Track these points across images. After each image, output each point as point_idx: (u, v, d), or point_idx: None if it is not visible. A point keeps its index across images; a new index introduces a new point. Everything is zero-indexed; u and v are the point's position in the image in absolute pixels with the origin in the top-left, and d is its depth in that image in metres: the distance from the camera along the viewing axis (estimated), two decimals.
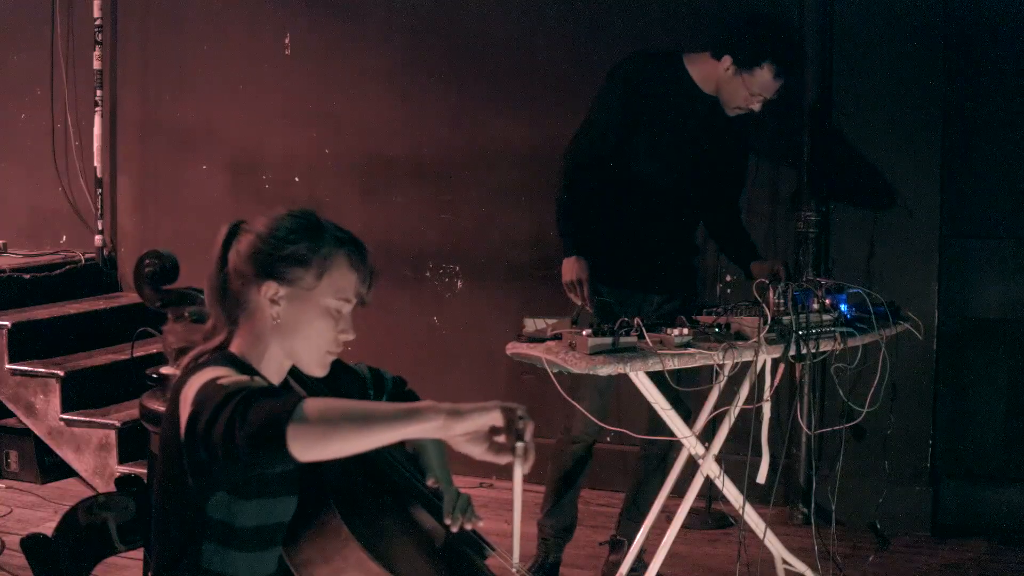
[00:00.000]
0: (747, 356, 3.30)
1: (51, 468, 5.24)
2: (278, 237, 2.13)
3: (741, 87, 3.74)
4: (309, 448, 1.81)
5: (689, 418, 3.73)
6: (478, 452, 1.93)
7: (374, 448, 1.87)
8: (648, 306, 3.89)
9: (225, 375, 1.99)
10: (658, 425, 3.72)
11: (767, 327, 3.28)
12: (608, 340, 3.20)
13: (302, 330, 2.14)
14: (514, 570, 2.24)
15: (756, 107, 3.79)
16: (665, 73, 3.84)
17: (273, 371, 2.17)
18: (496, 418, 1.89)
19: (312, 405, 1.83)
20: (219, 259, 2.16)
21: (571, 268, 3.79)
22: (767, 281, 3.46)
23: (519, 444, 1.88)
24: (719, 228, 4.13)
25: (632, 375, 3.36)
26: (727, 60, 3.73)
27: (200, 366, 2.08)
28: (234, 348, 2.16)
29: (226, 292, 2.16)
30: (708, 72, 3.81)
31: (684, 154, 3.86)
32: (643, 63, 3.86)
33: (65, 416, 5.12)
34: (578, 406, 3.54)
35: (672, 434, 3.57)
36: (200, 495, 2.03)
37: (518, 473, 1.92)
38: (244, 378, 1.99)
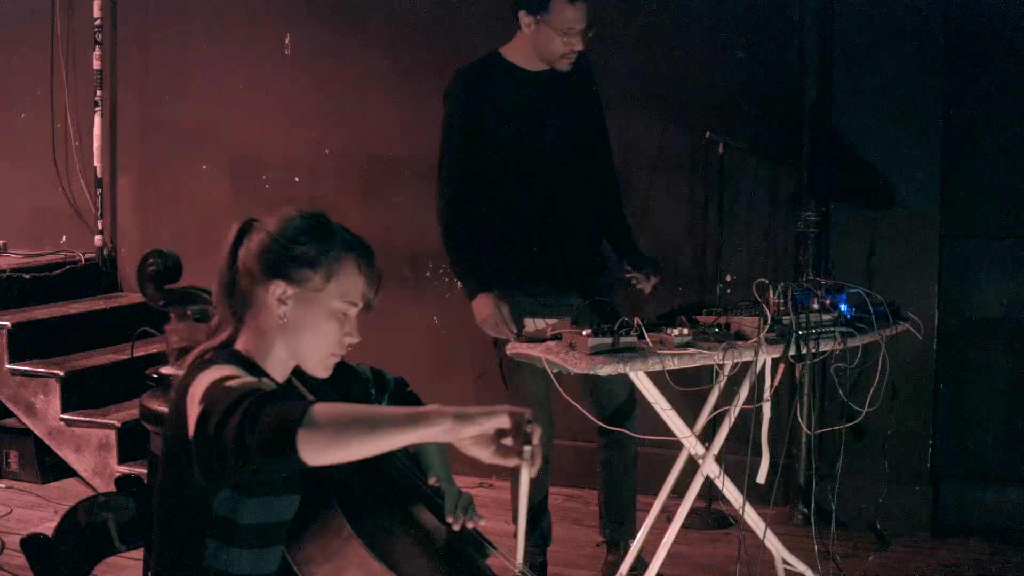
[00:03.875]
0: (747, 356, 3.30)
1: (51, 468, 5.24)
2: (288, 237, 2.14)
3: (550, 34, 3.70)
4: (319, 453, 1.82)
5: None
6: (485, 455, 1.94)
7: (383, 452, 1.88)
8: (565, 308, 3.79)
9: (232, 375, 2.00)
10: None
11: (767, 327, 3.28)
12: (608, 340, 3.20)
13: (308, 331, 2.15)
14: (517, 572, 2.24)
15: (579, 46, 3.73)
16: (491, 75, 3.82)
17: (277, 370, 2.17)
18: (504, 421, 1.89)
19: (321, 410, 1.84)
20: (229, 256, 2.17)
21: (480, 307, 3.76)
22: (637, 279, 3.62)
23: (526, 448, 1.89)
24: (601, 208, 4.01)
25: (632, 375, 3.36)
26: (523, 16, 3.72)
27: (206, 363, 2.09)
28: (239, 346, 2.17)
29: (234, 289, 2.17)
30: (524, 47, 3.79)
31: (545, 142, 3.83)
32: (465, 77, 3.84)
33: (65, 416, 5.12)
34: (579, 408, 3.54)
35: (672, 434, 3.58)
36: (206, 492, 2.04)
37: (525, 476, 1.93)
38: (252, 380, 2.00)
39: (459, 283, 3.86)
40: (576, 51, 3.74)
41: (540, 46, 3.74)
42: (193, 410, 1.98)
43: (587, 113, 3.94)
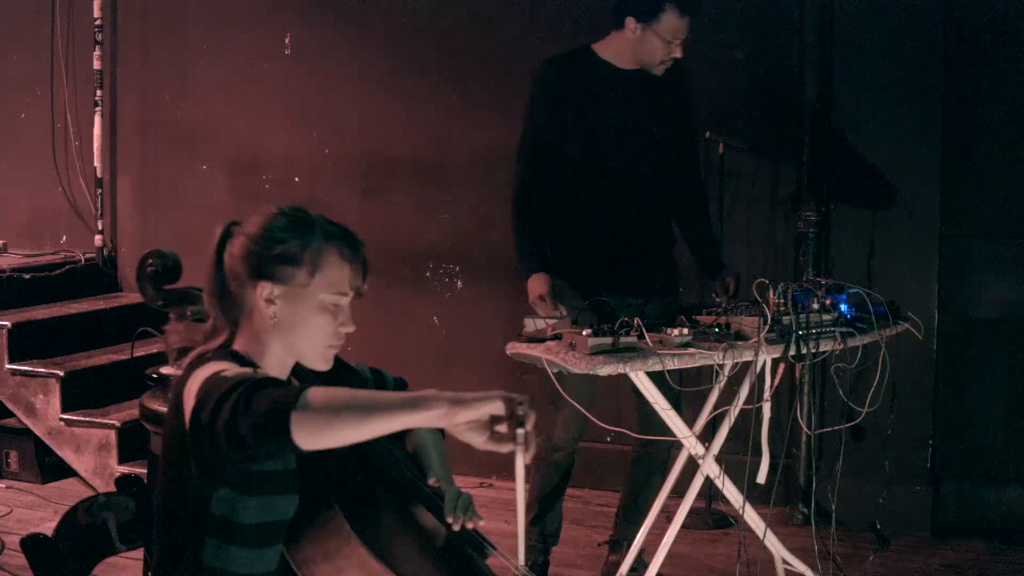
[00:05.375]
0: (747, 356, 3.30)
1: (51, 468, 5.24)
2: (267, 237, 2.13)
3: (655, 40, 3.74)
4: (313, 436, 1.82)
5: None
6: (480, 441, 1.94)
7: (378, 436, 1.88)
8: (628, 309, 3.75)
9: (229, 368, 2.01)
10: (649, 427, 3.74)
11: (767, 327, 3.28)
12: (608, 340, 3.20)
13: (301, 327, 2.14)
14: (516, 572, 2.24)
15: (678, 53, 3.79)
16: (581, 68, 3.84)
17: (275, 369, 2.17)
18: (498, 407, 1.90)
19: (316, 393, 1.84)
20: (215, 261, 2.17)
21: (534, 285, 3.76)
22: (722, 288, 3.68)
23: (520, 431, 1.89)
24: (686, 217, 4.04)
25: (632, 375, 3.36)
26: (630, 22, 3.75)
27: (204, 361, 2.09)
28: (237, 347, 2.17)
29: (224, 294, 2.17)
30: (620, 47, 3.81)
31: (627, 140, 3.84)
32: (557, 66, 3.86)
33: (65, 416, 5.12)
34: (580, 408, 3.53)
35: (672, 434, 3.57)
36: (204, 490, 2.04)
37: (520, 462, 1.93)
38: (247, 369, 2.01)
39: (519, 261, 3.84)
40: (674, 57, 3.79)
41: (642, 50, 3.78)
42: (189, 404, 1.98)
43: (675, 120, 3.94)
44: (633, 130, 3.85)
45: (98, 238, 5.94)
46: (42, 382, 5.17)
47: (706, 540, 4.57)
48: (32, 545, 2.10)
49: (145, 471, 4.00)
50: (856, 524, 4.55)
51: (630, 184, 3.87)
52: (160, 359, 3.41)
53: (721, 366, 3.27)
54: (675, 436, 3.56)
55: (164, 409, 2.96)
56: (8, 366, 5.21)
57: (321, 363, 2.19)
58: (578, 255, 3.86)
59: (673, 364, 3.20)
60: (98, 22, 5.83)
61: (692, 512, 3.84)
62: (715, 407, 3.65)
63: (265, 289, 2.12)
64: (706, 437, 3.68)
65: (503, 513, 4.64)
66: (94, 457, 5.09)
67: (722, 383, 3.45)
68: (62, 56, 5.96)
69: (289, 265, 2.12)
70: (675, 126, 3.95)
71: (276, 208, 2.18)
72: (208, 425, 1.90)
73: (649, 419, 3.79)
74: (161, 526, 2.14)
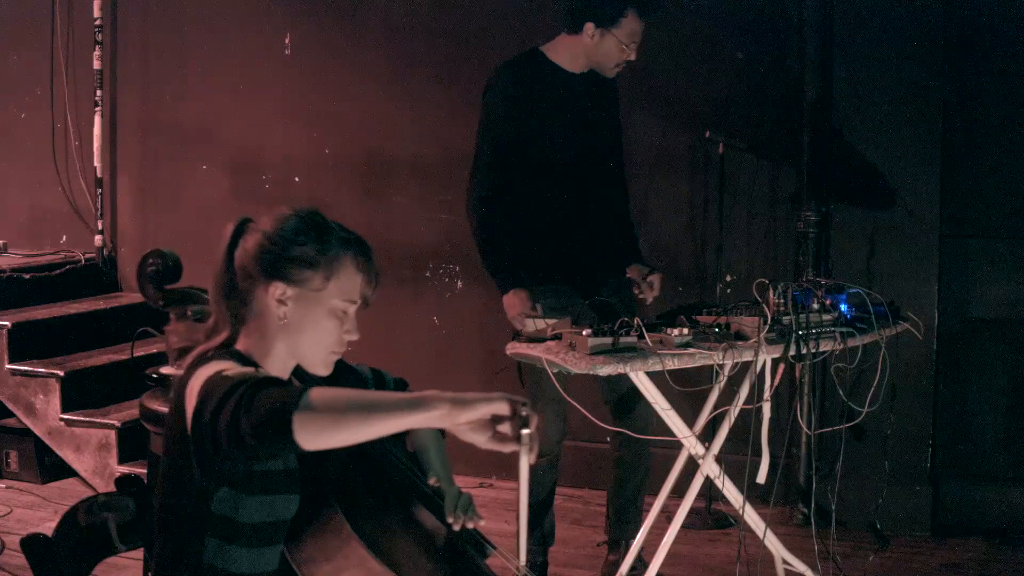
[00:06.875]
0: (747, 356, 3.30)
1: (51, 468, 5.24)
2: (285, 238, 2.13)
3: (612, 44, 3.76)
4: (315, 436, 1.83)
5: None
6: (482, 441, 1.95)
7: (379, 437, 1.88)
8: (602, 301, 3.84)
9: (230, 367, 2.01)
10: (630, 425, 3.79)
11: (767, 327, 3.28)
12: (608, 340, 3.20)
13: (308, 330, 2.14)
14: (517, 572, 2.24)
15: (632, 56, 3.82)
16: (533, 73, 3.85)
17: (277, 369, 2.17)
18: (501, 407, 1.91)
19: (318, 394, 1.85)
20: (225, 257, 2.16)
21: (513, 303, 3.75)
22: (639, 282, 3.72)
23: (524, 432, 1.90)
24: (612, 216, 4.05)
25: (632, 375, 3.36)
26: (589, 27, 3.76)
27: (206, 360, 2.09)
28: (240, 346, 2.17)
29: (233, 290, 2.16)
30: (571, 50, 3.83)
31: (578, 141, 3.87)
32: (511, 72, 3.87)
33: (65, 416, 5.12)
34: (578, 406, 3.52)
35: (672, 434, 3.57)
36: (205, 490, 2.04)
37: (524, 462, 1.94)
38: (249, 369, 2.01)
39: (492, 277, 3.84)
40: (628, 60, 3.82)
41: (596, 53, 3.80)
42: (191, 403, 1.98)
43: (612, 120, 4.00)
44: (585, 132, 3.88)
45: (98, 238, 5.94)
46: (42, 382, 5.17)
47: (706, 540, 4.57)
48: (32, 545, 2.10)
49: (145, 471, 4.01)
50: (856, 524, 4.55)
51: (580, 184, 3.89)
52: (160, 359, 3.41)
53: (721, 366, 3.27)
54: (675, 436, 3.56)
55: (164, 409, 2.96)
56: (8, 366, 5.21)
57: (322, 368, 2.19)
58: (543, 255, 3.86)
59: (673, 364, 3.20)
60: (98, 22, 5.83)
61: (692, 512, 3.85)
62: (715, 407, 3.64)
63: (278, 289, 2.12)
64: (706, 437, 3.68)
65: (503, 513, 4.64)
66: (94, 457, 5.09)
67: (722, 383, 3.45)
68: (62, 56, 5.96)
69: (306, 268, 2.12)
70: (612, 127, 4.00)
71: (291, 209, 2.18)
72: (210, 425, 1.90)
73: (632, 419, 3.82)
74: (162, 526, 2.14)
